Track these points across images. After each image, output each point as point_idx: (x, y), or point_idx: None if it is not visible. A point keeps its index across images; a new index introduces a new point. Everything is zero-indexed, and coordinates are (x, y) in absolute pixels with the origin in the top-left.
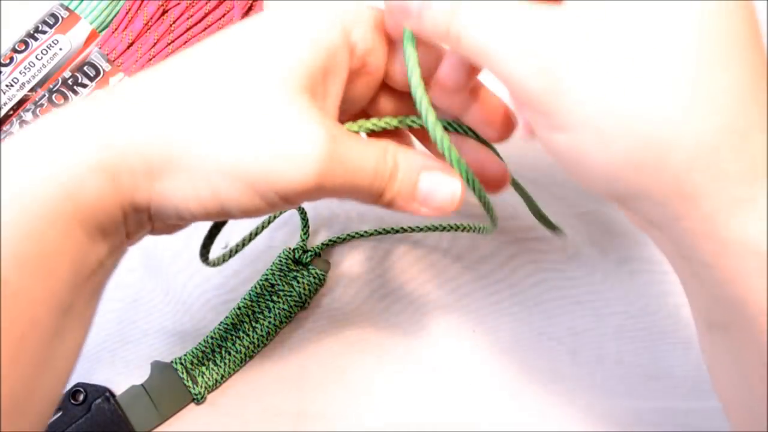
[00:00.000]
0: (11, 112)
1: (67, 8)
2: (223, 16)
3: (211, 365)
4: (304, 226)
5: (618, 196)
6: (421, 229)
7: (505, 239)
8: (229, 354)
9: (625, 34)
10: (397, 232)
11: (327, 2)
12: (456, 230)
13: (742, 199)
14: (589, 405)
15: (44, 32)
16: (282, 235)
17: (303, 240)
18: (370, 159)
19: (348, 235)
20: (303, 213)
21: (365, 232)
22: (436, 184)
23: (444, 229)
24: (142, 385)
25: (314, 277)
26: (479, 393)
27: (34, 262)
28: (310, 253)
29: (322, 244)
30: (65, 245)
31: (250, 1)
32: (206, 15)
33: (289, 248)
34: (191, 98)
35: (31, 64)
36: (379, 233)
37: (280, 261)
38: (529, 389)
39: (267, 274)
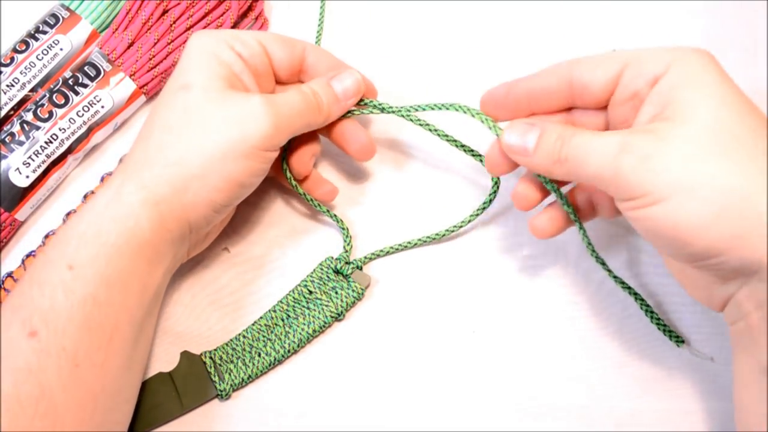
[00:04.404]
0: (12, 112)
1: (67, 8)
2: (223, 14)
3: (240, 364)
4: (347, 236)
5: (710, 249)
6: (463, 223)
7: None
8: (259, 355)
9: (688, 133)
10: (443, 236)
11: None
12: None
13: None
14: (589, 405)
15: (45, 32)
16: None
17: (346, 251)
18: (295, 95)
19: (390, 248)
20: (342, 224)
21: (408, 242)
22: (343, 82)
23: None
24: (169, 373)
25: (353, 291)
26: (479, 393)
27: (114, 282)
28: (351, 266)
29: (365, 257)
30: (134, 270)
31: (249, 1)
32: (206, 15)
33: (332, 257)
34: (175, 137)
35: (31, 64)
36: (424, 242)
37: (321, 269)
38: (529, 390)
39: (306, 281)
